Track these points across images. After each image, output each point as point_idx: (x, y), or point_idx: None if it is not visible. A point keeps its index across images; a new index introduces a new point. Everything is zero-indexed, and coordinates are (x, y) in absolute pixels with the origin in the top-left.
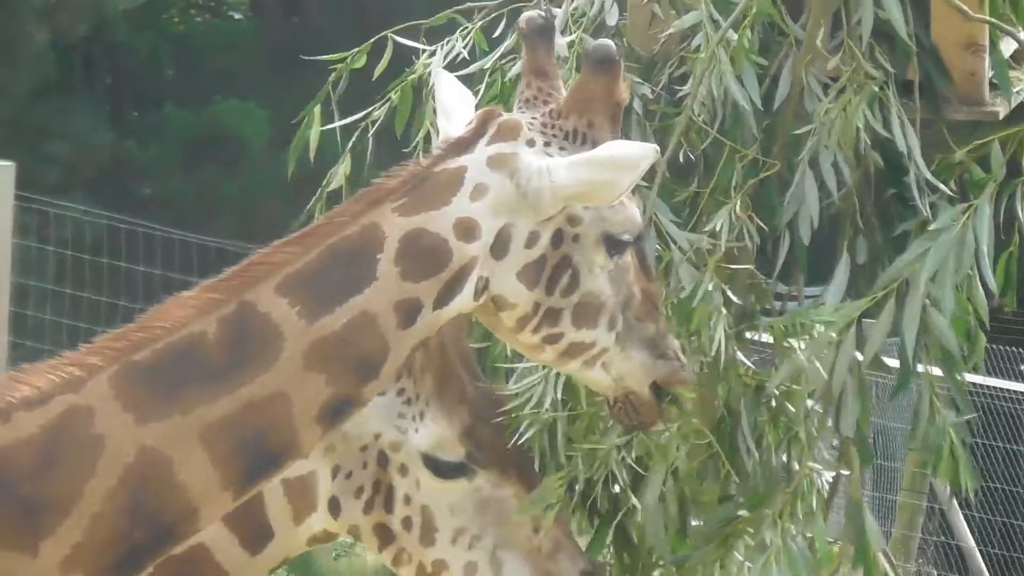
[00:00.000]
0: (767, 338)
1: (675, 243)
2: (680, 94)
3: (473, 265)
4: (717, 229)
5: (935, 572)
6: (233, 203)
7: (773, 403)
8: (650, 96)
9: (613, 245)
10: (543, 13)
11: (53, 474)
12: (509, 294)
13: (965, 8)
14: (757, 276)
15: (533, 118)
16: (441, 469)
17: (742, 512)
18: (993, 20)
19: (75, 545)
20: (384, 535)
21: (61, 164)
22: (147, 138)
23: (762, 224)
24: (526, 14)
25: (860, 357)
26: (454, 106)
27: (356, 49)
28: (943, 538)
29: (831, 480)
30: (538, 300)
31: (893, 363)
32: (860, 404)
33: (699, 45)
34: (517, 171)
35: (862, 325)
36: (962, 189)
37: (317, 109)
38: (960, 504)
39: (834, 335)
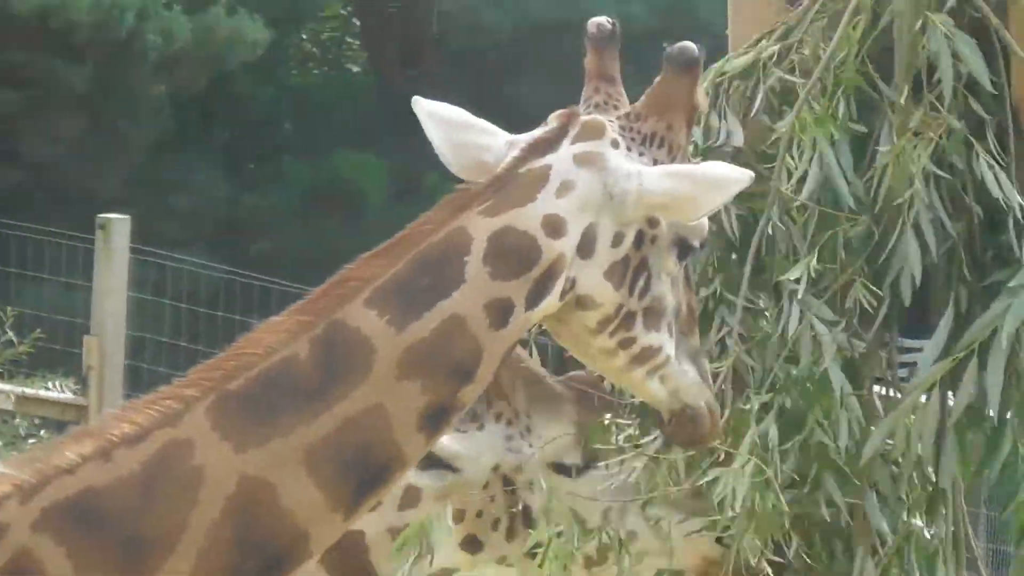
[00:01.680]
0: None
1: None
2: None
3: (562, 263)
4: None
5: None
6: (351, 255)
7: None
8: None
9: (683, 250)
10: (610, 20)
11: (155, 510)
12: (596, 294)
13: None
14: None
15: (610, 120)
16: (568, 470)
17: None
18: None
19: None
20: (535, 548)
21: (180, 217)
22: (265, 190)
23: (869, 285)
24: (594, 20)
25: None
26: (473, 120)
27: None
28: None
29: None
30: (621, 302)
31: None
32: (958, 458)
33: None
34: (605, 170)
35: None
36: None
37: None
38: None
39: (923, 398)
